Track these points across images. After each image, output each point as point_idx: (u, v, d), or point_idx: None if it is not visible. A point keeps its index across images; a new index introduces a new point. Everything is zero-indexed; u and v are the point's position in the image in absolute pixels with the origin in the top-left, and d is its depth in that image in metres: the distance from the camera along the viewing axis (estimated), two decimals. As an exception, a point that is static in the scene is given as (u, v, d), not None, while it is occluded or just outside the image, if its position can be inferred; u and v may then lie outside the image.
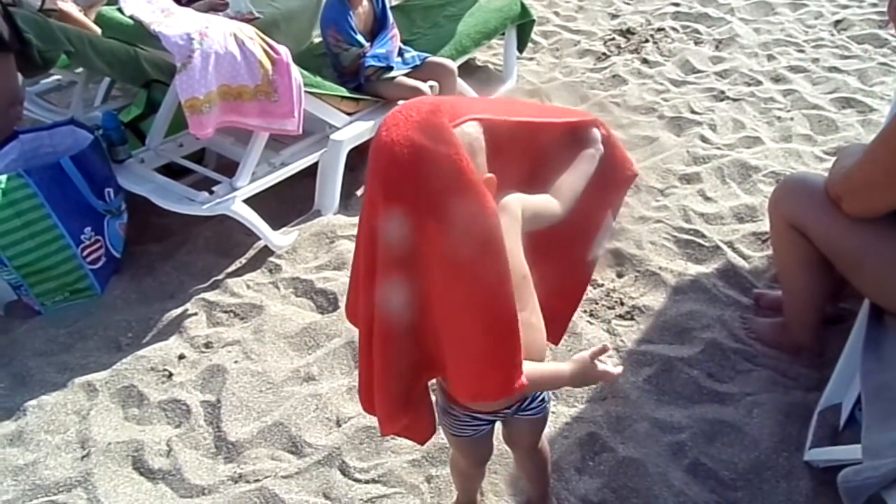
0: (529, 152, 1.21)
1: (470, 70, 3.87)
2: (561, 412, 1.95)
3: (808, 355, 2.04)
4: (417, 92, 2.94)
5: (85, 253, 2.43)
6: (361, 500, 1.75)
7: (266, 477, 1.82)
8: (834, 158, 2.88)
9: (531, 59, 4.10)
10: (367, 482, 1.80)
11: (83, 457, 1.90)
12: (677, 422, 1.88)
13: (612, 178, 1.35)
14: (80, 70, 3.13)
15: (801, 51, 3.94)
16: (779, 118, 3.34)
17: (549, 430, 1.88)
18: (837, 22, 4.23)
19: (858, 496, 1.24)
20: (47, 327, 2.36)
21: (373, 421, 1.93)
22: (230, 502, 1.76)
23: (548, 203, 1.19)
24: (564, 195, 1.21)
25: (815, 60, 3.82)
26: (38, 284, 2.38)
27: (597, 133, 1.27)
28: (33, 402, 2.06)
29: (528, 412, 1.33)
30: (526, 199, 1.14)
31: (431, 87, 3.03)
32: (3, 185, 2.25)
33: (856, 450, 1.59)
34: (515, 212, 1.11)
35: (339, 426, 1.95)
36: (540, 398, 1.32)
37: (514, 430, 1.46)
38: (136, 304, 2.47)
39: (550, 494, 1.67)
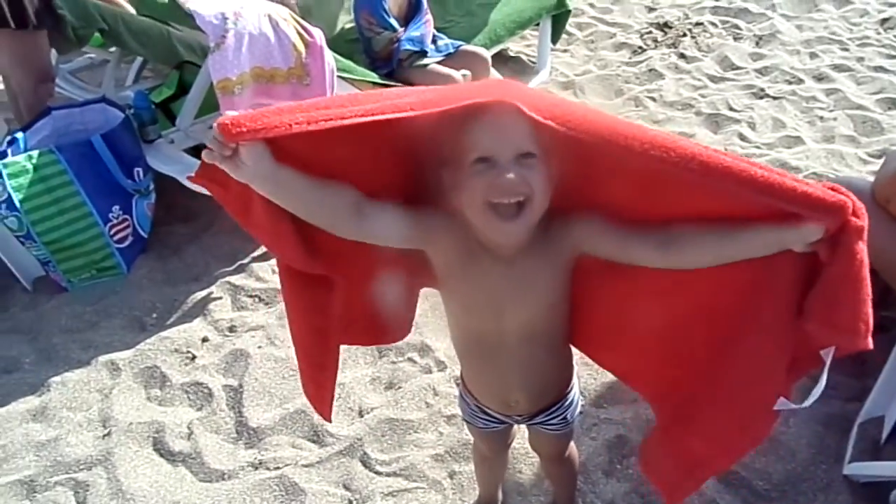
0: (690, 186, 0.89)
1: (502, 60, 3.81)
2: (589, 413, 1.90)
3: (848, 364, 1.96)
4: (450, 80, 2.88)
5: (112, 231, 2.42)
6: (382, 493, 1.72)
7: (286, 465, 1.80)
8: (879, 161, 2.81)
9: (565, 50, 4.02)
10: (388, 475, 1.77)
11: (104, 435, 1.89)
12: (710, 427, 1.82)
13: (815, 313, 0.90)
14: (113, 49, 3.12)
15: (846, 49, 3.82)
16: (821, 118, 3.24)
17: (577, 430, 1.83)
18: (884, 20, 4.09)
19: (913, 517, 1.18)
20: (73, 304, 2.36)
21: (396, 413, 1.91)
22: (250, 489, 1.74)
23: (634, 245, 0.98)
24: (689, 252, 0.94)
25: (860, 59, 3.70)
26: (65, 261, 2.38)
27: (814, 230, 0.85)
28: (57, 378, 2.06)
29: (550, 427, 1.29)
30: (597, 227, 0.99)
31: (464, 75, 2.97)
32: (34, 161, 2.25)
33: (899, 466, 1.52)
34: (571, 234, 1.00)
35: (362, 416, 1.92)
36: (562, 416, 1.27)
37: (535, 439, 1.43)
38: (162, 285, 2.46)
39: (577, 497, 1.63)
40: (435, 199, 1.01)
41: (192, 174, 0.93)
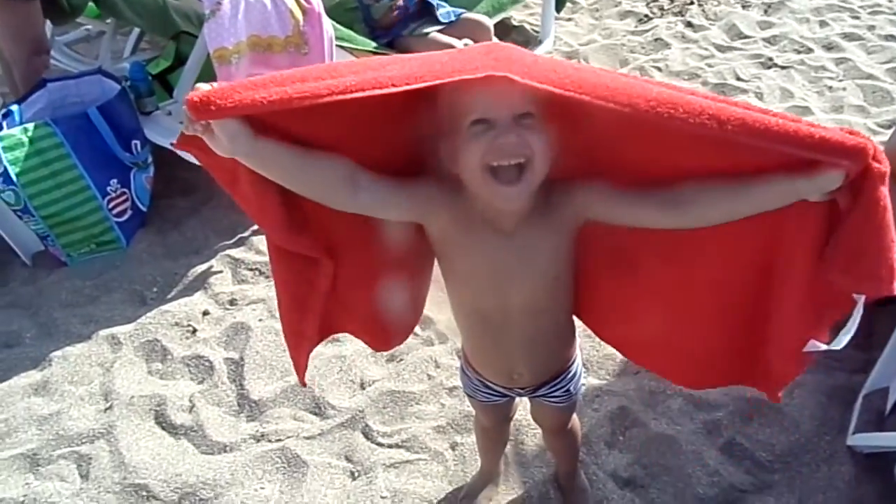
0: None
1: (505, 30, 3.74)
2: (591, 384, 1.89)
3: (853, 336, 1.94)
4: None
5: (111, 205, 2.40)
6: (384, 464, 1.72)
7: (288, 437, 1.80)
8: (888, 131, 2.76)
9: (569, 19, 3.95)
10: (390, 447, 1.77)
11: (106, 409, 1.89)
12: (713, 399, 1.81)
13: (837, 262, 0.87)
14: (109, 20, 3.07)
15: (856, 17, 3.74)
16: (830, 88, 3.18)
17: (579, 401, 1.82)
18: (897, -13, 4.00)
19: (918, 488, 1.16)
20: (73, 278, 2.35)
21: (398, 385, 1.91)
22: (251, 461, 1.74)
23: (641, 207, 0.95)
24: (699, 210, 0.91)
25: (871, 28, 3.62)
26: (64, 235, 2.36)
27: (834, 177, 0.81)
28: (58, 352, 2.05)
29: (552, 399, 1.27)
30: (602, 192, 0.96)
31: (466, 45, 2.91)
32: (30, 134, 2.22)
33: (905, 437, 1.51)
34: (574, 201, 0.97)
35: (363, 389, 1.92)
36: (564, 389, 1.25)
37: (538, 411, 1.42)
38: (162, 259, 2.44)
39: (579, 469, 1.62)
40: (433, 170, 0.98)
41: (175, 140, 0.89)
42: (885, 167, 0.80)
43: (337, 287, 1.06)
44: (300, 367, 1.17)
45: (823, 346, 0.94)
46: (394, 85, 0.80)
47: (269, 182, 0.90)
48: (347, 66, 0.84)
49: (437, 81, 0.81)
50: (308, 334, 1.11)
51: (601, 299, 1.17)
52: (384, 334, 1.23)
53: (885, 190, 0.80)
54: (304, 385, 1.20)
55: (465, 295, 1.11)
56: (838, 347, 0.91)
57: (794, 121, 0.80)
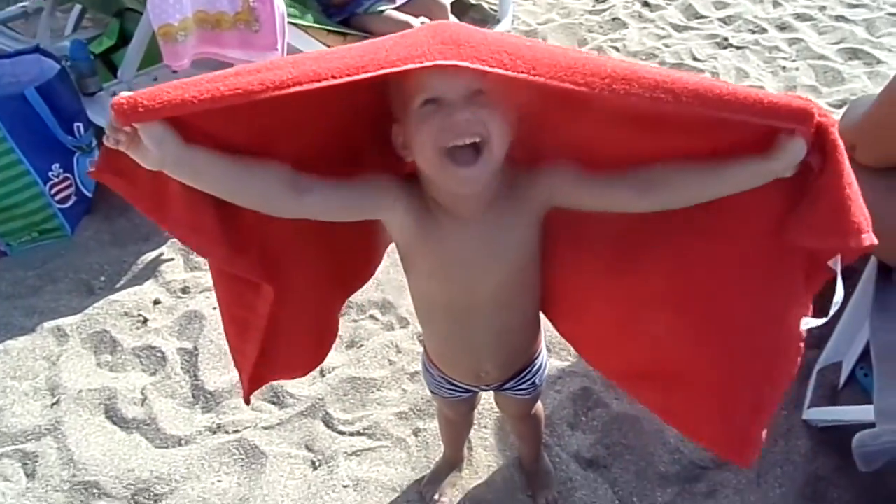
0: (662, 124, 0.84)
1: (463, 8, 3.69)
2: (553, 366, 1.88)
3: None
4: (408, 27, 2.77)
5: (53, 191, 2.29)
6: (346, 452, 1.69)
7: (246, 428, 1.75)
8: (839, 110, 2.81)
9: (528, -2, 3.92)
10: (351, 434, 1.73)
11: (53, 404, 1.81)
12: (673, 378, 1.82)
13: (814, 227, 0.86)
14: (46, -5, 2.92)
15: (808, -2, 3.80)
16: (783, 68, 3.23)
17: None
18: (846, -31, 4.07)
19: (875, 460, 1.19)
20: (14, 269, 2.25)
21: (358, 372, 1.87)
22: (208, 453, 1.69)
23: (611, 189, 0.92)
24: (671, 191, 0.89)
25: (822, 9, 3.69)
26: (3, 223, 2.25)
27: (798, 147, 0.82)
28: (-1, 346, 1.96)
29: (518, 392, 1.26)
30: (569, 175, 0.93)
31: (423, 23, 2.85)
32: (-39, 116, 2.10)
33: (857, 411, 1.54)
34: (540, 185, 0.94)
35: (323, 376, 1.88)
36: (530, 381, 1.24)
37: (501, 400, 1.40)
38: (110, 246, 2.35)
39: (542, 451, 1.62)
40: (384, 161, 0.93)
41: (93, 168, 0.82)
42: (833, 119, 0.81)
43: (278, 313, 1.01)
44: (244, 386, 1.13)
45: (817, 322, 0.93)
46: (334, 77, 0.74)
47: (204, 196, 0.83)
48: (286, 60, 0.79)
49: (381, 72, 0.75)
50: (249, 355, 1.06)
51: (559, 290, 1.14)
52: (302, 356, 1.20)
53: (840, 140, 0.82)
54: (248, 403, 1.17)
55: (430, 290, 1.06)
56: (831, 315, 0.91)
57: (743, 88, 0.80)
